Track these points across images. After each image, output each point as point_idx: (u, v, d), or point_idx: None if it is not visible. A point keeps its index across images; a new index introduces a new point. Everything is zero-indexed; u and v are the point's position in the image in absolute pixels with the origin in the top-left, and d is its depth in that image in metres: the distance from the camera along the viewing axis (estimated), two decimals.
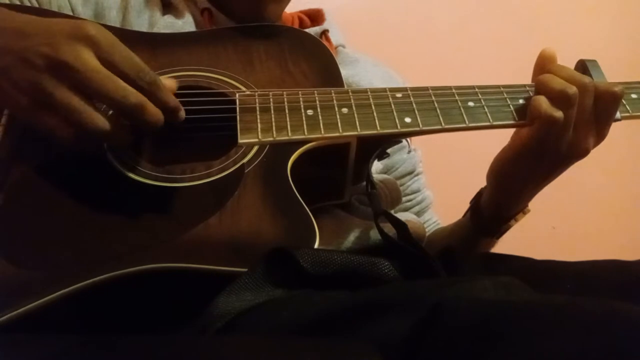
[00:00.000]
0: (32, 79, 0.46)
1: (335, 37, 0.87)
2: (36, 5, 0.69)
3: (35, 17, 0.50)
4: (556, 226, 1.54)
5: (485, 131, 0.62)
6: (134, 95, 0.48)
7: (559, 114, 0.58)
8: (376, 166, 0.77)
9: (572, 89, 0.58)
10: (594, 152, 0.62)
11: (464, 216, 0.76)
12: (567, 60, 0.63)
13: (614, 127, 0.62)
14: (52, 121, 0.47)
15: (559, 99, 0.58)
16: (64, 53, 0.45)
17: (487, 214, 0.70)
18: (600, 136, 0.62)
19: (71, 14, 0.69)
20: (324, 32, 0.85)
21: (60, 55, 0.45)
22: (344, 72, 0.67)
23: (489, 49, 1.51)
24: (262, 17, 0.75)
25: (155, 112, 0.51)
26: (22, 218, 0.52)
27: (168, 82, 0.54)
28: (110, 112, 0.51)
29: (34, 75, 0.46)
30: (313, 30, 0.84)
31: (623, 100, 0.63)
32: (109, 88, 0.47)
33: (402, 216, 0.70)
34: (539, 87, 0.61)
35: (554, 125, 0.58)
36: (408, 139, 0.85)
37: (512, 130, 0.65)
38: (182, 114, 0.54)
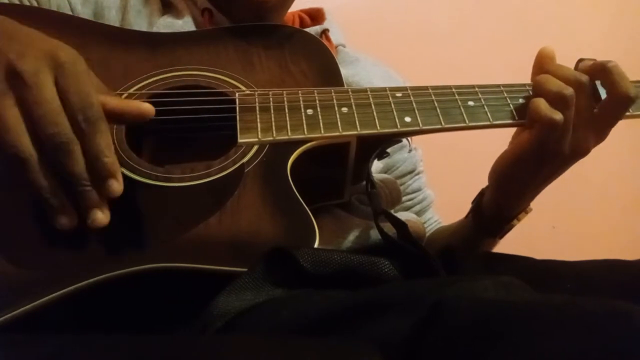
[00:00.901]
0: None
1: (335, 37, 0.87)
2: (35, 4, 0.68)
3: (35, 31, 0.50)
4: (556, 226, 1.54)
5: (486, 131, 0.62)
6: (66, 136, 0.45)
7: (558, 116, 0.58)
8: (376, 165, 0.77)
9: (568, 90, 0.58)
10: (595, 152, 0.62)
11: (466, 216, 0.76)
12: (566, 59, 0.63)
13: (615, 126, 0.62)
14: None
15: (555, 100, 0.58)
16: (25, 64, 0.45)
17: (489, 214, 0.69)
18: (600, 136, 0.62)
19: (70, 13, 0.69)
20: (324, 32, 0.85)
21: (21, 65, 0.45)
22: (344, 71, 0.67)
23: (489, 48, 1.51)
24: (262, 21, 0.75)
25: (80, 166, 0.46)
26: (22, 218, 0.52)
27: (144, 106, 0.50)
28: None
29: None
30: (313, 30, 0.84)
31: None
32: (46, 115, 0.45)
33: (402, 216, 0.70)
34: (536, 89, 0.61)
35: (553, 128, 0.58)
36: (409, 138, 0.85)
37: (513, 130, 0.65)
38: (116, 186, 0.48)
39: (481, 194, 0.71)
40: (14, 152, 0.45)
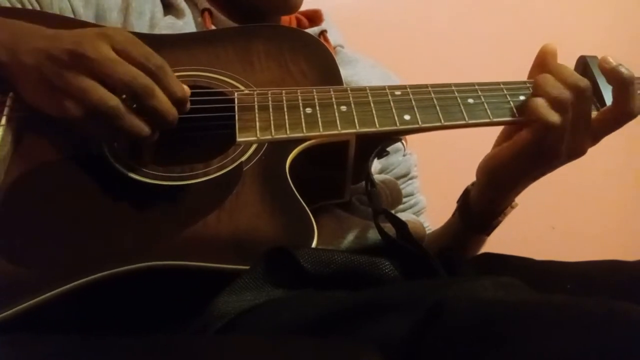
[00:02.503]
0: (58, 72, 0.51)
1: (333, 38, 0.87)
2: (37, 8, 0.69)
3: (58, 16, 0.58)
4: (556, 226, 1.54)
5: (484, 137, 0.62)
6: (142, 77, 0.51)
7: (555, 117, 0.57)
8: (374, 167, 0.77)
9: (566, 94, 0.58)
10: (594, 152, 0.62)
11: (452, 215, 0.75)
12: (567, 56, 0.63)
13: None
14: (68, 103, 0.51)
15: (553, 103, 0.58)
16: (85, 47, 0.51)
17: (477, 210, 0.69)
18: (597, 140, 0.62)
19: (72, 16, 0.70)
20: (322, 33, 0.85)
21: (81, 49, 0.51)
22: (343, 72, 0.67)
23: (488, 48, 1.51)
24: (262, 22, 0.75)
25: (164, 99, 0.52)
26: (22, 216, 0.52)
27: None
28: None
29: (59, 69, 0.51)
30: (311, 31, 0.84)
31: None
32: (119, 70, 0.50)
33: (402, 216, 0.70)
34: (536, 88, 0.60)
35: (550, 129, 0.58)
36: (404, 142, 0.85)
37: None
38: (188, 106, 0.55)
39: (466, 191, 0.71)
40: (101, 106, 0.50)
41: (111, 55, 0.51)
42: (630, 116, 0.60)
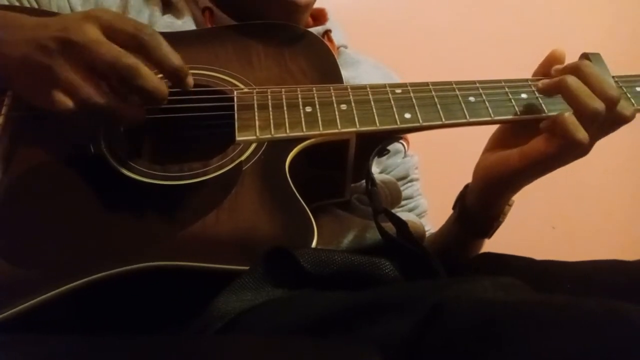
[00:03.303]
0: (47, 62, 0.50)
1: (337, 37, 0.86)
2: (35, 6, 0.69)
3: (56, 14, 0.55)
4: (556, 226, 1.54)
5: (486, 139, 0.61)
6: (125, 57, 0.49)
7: (583, 135, 0.55)
8: (373, 169, 0.76)
9: (602, 106, 0.55)
10: (594, 152, 0.62)
11: (447, 222, 0.74)
12: (567, 55, 0.63)
13: None
14: (58, 97, 0.50)
15: (586, 115, 0.55)
16: (70, 32, 0.50)
17: (477, 213, 0.68)
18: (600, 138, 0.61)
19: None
20: (327, 32, 0.84)
21: (66, 35, 0.49)
22: (345, 73, 0.67)
23: (491, 48, 1.50)
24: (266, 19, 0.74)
25: (150, 78, 0.50)
26: (20, 217, 0.52)
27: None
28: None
29: (47, 59, 0.50)
30: (315, 30, 0.83)
31: (628, 94, 0.63)
32: (102, 52, 0.49)
33: (402, 216, 0.70)
34: (567, 93, 0.57)
35: (576, 147, 0.56)
36: (405, 144, 0.84)
37: None
38: (190, 80, 0.53)
39: (462, 195, 0.70)
40: (90, 104, 0.49)
41: (95, 37, 0.50)
42: (627, 120, 0.59)
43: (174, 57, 0.51)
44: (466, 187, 0.70)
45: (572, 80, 0.57)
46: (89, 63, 0.49)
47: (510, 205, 0.69)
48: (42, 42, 0.50)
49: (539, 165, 0.59)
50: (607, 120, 0.57)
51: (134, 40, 0.50)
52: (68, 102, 0.49)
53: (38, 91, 0.52)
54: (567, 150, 0.56)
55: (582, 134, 0.55)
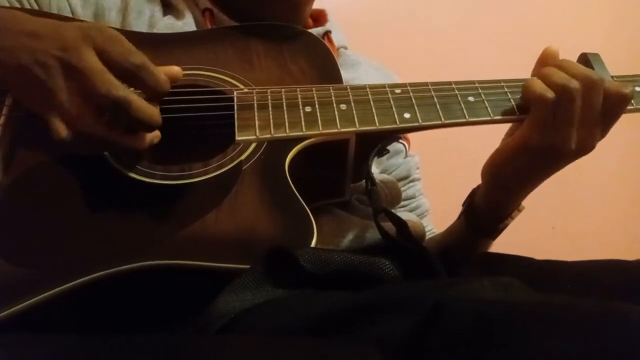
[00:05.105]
0: (46, 80, 0.49)
1: (337, 38, 0.86)
2: (36, 7, 0.68)
3: (47, 20, 0.53)
4: (556, 226, 1.54)
5: (490, 139, 0.61)
6: (115, 89, 0.49)
7: (550, 94, 0.57)
8: (374, 170, 0.76)
9: (574, 83, 0.57)
10: (595, 151, 0.62)
11: (458, 218, 0.74)
12: (567, 56, 0.63)
13: (615, 124, 0.62)
14: (55, 124, 0.50)
15: (560, 91, 0.57)
16: (70, 55, 0.49)
17: (484, 213, 0.68)
18: (604, 133, 0.61)
19: (71, 15, 0.69)
20: (327, 33, 0.84)
21: (69, 59, 0.49)
22: (345, 74, 0.67)
23: (490, 48, 1.51)
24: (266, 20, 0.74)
25: (141, 107, 0.50)
26: (20, 216, 0.52)
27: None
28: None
29: (48, 78, 0.49)
30: (316, 31, 0.83)
31: None
32: (97, 84, 0.49)
33: (402, 215, 0.70)
34: (541, 79, 0.59)
35: (545, 106, 0.57)
36: (406, 145, 0.84)
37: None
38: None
39: (472, 195, 0.70)
40: (89, 134, 0.50)
41: (93, 65, 0.49)
42: (627, 99, 0.59)
43: (161, 85, 0.52)
44: (479, 185, 0.70)
45: (546, 68, 0.60)
46: (87, 90, 0.49)
47: (519, 211, 0.69)
48: (40, 57, 0.49)
49: (528, 150, 0.59)
50: (595, 100, 0.58)
51: (124, 71, 0.50)
52: (64, 132, 0.50)
53: (36, 103, 0.52)
54: (547, 129, 0.57)
55: (549, 93, 0.57)
